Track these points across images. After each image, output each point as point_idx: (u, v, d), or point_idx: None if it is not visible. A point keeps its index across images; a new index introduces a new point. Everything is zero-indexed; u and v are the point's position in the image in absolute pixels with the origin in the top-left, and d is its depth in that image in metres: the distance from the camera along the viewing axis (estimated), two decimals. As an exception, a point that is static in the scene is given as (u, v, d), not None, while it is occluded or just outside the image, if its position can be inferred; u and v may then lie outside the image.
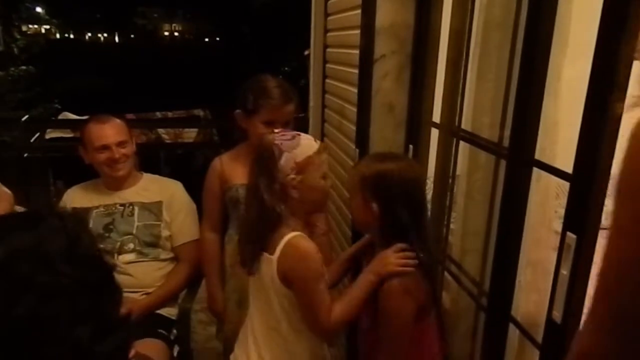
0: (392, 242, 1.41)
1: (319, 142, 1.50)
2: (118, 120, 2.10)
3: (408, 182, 1.41)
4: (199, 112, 5.22)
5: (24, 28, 9.25)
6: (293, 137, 1.45)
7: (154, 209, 2.13)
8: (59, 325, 0.71)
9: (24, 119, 3.87)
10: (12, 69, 7.24)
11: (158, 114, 5.16)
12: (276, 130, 1.50)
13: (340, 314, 1.41)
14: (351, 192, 1.49)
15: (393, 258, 1.39)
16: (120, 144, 2.05)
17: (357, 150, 2.08)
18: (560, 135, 1.38)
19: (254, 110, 1.87)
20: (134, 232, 2.09)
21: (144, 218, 2.11)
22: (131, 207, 2.10)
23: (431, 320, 1.45)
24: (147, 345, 1.83)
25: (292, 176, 1.41)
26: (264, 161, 1.42)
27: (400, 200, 1.39)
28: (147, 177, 2.24)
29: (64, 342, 0.71)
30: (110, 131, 2.05)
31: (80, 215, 0.80)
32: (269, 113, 1.85)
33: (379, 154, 1.64)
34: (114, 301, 0.80)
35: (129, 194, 2.12)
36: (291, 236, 1.40)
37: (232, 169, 1.95)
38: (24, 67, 7.41)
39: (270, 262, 1.41)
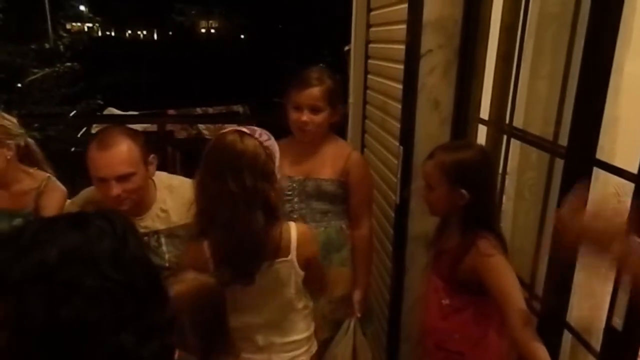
0: (476, 226, 1.43)
1: None
2: (126, 145, 1.58)
3: (490, 167, 1.50)
4: (239, 108, 5.28)
5: (68, 26, 9.47)
6: (269, 137, 1.45)
7: (180, 232, 1.75)
8: (102, 330, 0.69)
9: (71, 114, 3.96)
10: (58, 65, 7.44)
11: (198, 110, 5.24)
12: (251, 131, 1.46)
13: None
14: (431, 182, 1.49)
15: None
16: (122, 178, 1.57)
17: (401, 147, 2.05)
18: (620, 132, 1.32)
19: (287, 95, 1.90)
20: (167, 265, 1.75)
21: (173, 246, 1.76)
22: (156, 236, 1.75)
23: None
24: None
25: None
26: (260, 165, 1.40)
27: (488, 185, 1.47)
28: (160, 188, 1.78)
29: (107, 347, 0.70)
30: (109, 161, 1.56)
31: (128, 218, 0.75)
32: (294, 95, 1.88)
33: (450, 144, 1.74)
34: (160, 305, 0.78)
35: (149, 220, 1.75)
36: (294, 228, 1.48)
37: (281, 161, 1.91)
38: (68, 64, 7.59)
39: (285, 264, 1.47)
